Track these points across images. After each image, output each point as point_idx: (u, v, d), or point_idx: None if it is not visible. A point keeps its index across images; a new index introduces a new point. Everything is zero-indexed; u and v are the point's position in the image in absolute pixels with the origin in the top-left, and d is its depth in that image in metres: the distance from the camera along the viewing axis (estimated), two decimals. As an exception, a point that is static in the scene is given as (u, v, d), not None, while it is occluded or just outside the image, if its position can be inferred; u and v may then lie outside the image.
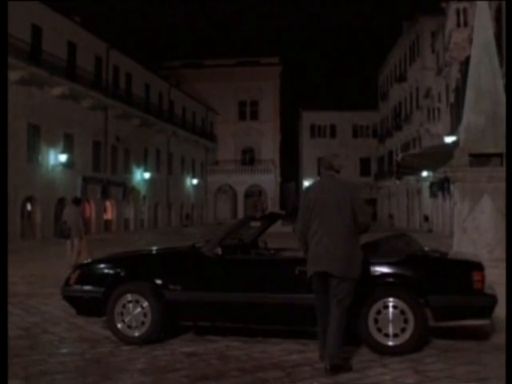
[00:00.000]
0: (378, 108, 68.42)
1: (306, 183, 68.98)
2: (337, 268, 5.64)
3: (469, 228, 8.66)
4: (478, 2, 9.62)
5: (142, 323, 6.64)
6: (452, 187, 9.43)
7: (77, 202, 16.26)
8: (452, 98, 35.76)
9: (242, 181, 61.25)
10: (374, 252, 6.54)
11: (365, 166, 69.08)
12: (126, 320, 6.67)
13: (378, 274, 6.34)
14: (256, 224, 7.64)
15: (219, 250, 6.76)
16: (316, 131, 70.74)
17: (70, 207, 16.05)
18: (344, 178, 6.25)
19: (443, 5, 35.48)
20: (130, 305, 6.69)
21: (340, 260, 5.65)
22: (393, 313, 6.21)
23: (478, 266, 6.39)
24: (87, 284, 7.01)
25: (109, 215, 41.20)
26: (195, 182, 58.63)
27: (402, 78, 54.46)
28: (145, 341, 6.59)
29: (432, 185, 40.04)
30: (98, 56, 38.81)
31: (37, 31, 31.27)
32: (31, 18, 30.47)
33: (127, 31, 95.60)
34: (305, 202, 5.90)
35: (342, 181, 6.03)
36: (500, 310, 6.45)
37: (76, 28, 35.83)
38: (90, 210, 37.64)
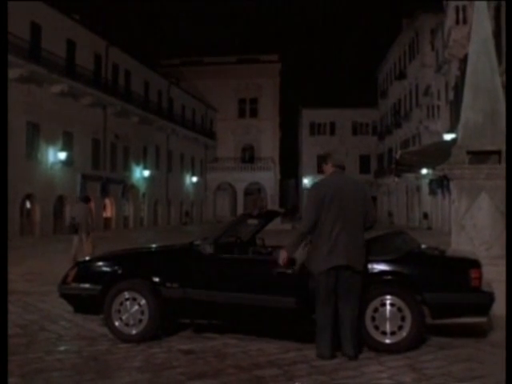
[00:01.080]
0: (377, 105, 68.43)
1: (306, 181, 69.11)
2: (357, 261, 5.96)
3: (466, 225, 8.65)
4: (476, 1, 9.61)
5: (140, 321, 6.64)
6: (451, 185, 9.41)
7: (86, 199, 16.88)
8: (451, 96, 35.73)
9: (242, 178, 61.19)
10: (371, 249, 6.54)
11: (364, 164, 69.12)
12: (124, 318, 6.67)
13: (375, 271, 6.33)
14: (253, 222, 7.63)
15: (215, 248, 6.76)
16: (316, 129, 70.78)
17: (79, 204, 16.71)
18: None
19: (444, 2, 35.47)
20: (128, 302, 6.68)
21: (358, 253, 5.98)
22: (390, 310, 6.21)
23: (476, 264, 6.38)
24: (85, 282, 7.00)
25: (108, 213, 41.20)
26: (195, 179, 58.61)
27: (401, 76, 54.44)
28: (142, 338, 6.59)
29: (431, 182, 40.04)
30: (97, 54, 38.79)
31: (36, 29, 31.24)
32: (30, 15, 30.47)
33: (126, 29, 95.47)
34: (319, 197, 5.95)
35: (353, 178, 6.50)
36: (497, 308, 6.45)
37: (75, 26, 35.80)
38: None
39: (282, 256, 6.12)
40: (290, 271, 6.27)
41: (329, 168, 6.23)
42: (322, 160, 6.32)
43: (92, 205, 17.55)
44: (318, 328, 5.94)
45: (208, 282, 6.67)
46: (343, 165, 6.26)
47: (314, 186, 6.27)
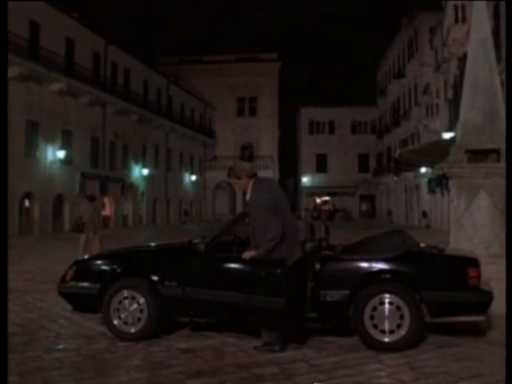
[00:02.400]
0: (376, 104, 68.35)
1: (305, 179, 69.04)
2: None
3: (465, 224, 8.66)
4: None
5: (138, 319, 6.64)
6: (450, 183, 9.42)
7: (91, 198, 17.13)
8: (450, 94, 35.74)
9: (241, 177, 61.05)
10: (370, 248, 6.55)
11: (363, 162, 69.07)
12: (122, 316, 6.67)
13: (373, 270, 6.34)
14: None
15: (214, 247, 6.75)
16: (315, 127, 70.69)
17: (85, 204, 16.92)
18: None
19: (442, 1, 35.46)
20: (126, 301, 6.68)
21: None
22: (389, 309, 6.21)
23: (474, 262, 6.39)
24: (83, 280, 6.99)
25: (107, 211, 41.19)
26: (194, 178, 58.61)
27: (400, 74, 54.39)
28: (141, 337, 6.59)
29: (430, 181, 40.01)
30: (96, 52, 38.76)
31: (35, 27, 31.23)
32: (29, 14, 30.43)
33: (125, 27, 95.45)
34: (269, 202, 6.23)
35: (270, 179, 7.45)
36: (496, 306, 6.45)
37: (74, 24, 35.77)
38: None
39: (249, 255, 6.30)
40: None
41: (247, 180, 6.45)
42: (237, 174, 6.55)
43: (97, 204, 17.86)
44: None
45: (206, 280, 6.66)
46: (256, 171, 6.61)
47: (259, 195, 6.34)
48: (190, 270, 6.68)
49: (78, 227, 16.19)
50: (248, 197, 6.46)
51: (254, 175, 6.48)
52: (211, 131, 64.25)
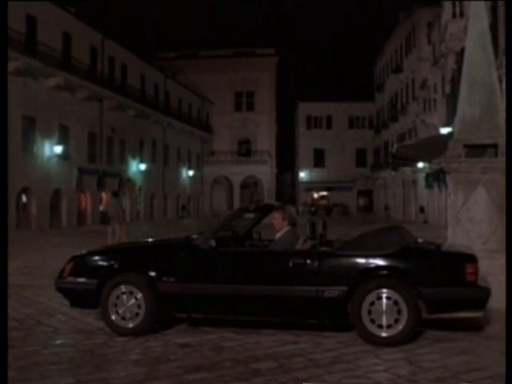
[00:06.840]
0: (374, 99, 68.32)
1: (302, 174, 69.03)
2: None
3: (463, 219, 8.65)
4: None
5: (136, 314, 6.64)
6: (447, 178, 9.42)
7: (116, 194, 18.88)
8: (448, 89, 35.71)
9: (238, 172, 61.19)
10: (368, 244, 6.55)
11: (361, 157, 69.09)
12: (120, 311, 6.67)
13: (371, 266, 6.34)
14: (250, 215, 7.63)
15: (213, 242, 6.76)
16: (312, 122, 70.67)
17: (110, 199, 18.93)
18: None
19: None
20: (124, 296, 6.68)
21: None
22: (386, 304, 6.22)
23: (472, 259, 6.38)
24: (81, 276, 6.98)
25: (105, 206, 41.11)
26: (191, 173, 58.56)
27: (398, 69, 54.37)
28: (139, 332, 6.59)
29: (428, 176, 40.03)
30: (93, 47, 38.67)
31: (32, 22, 31.13)
32: (26, 8, 30.32)
33: (122, 22, 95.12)
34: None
35: None
36: (494, 301, 6.46)
37: (71, 18, 35.68)
38: (86, 201, 37.64)
39: None
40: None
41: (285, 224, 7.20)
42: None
43: (121, 198, 19.69)
44: None
45: (204, 276, 6.68)
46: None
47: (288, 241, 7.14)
48: (189, 266, 6.69)
49: (105, 220, 17.65)
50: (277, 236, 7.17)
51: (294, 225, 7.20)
52: (209, 126, 64.18)
